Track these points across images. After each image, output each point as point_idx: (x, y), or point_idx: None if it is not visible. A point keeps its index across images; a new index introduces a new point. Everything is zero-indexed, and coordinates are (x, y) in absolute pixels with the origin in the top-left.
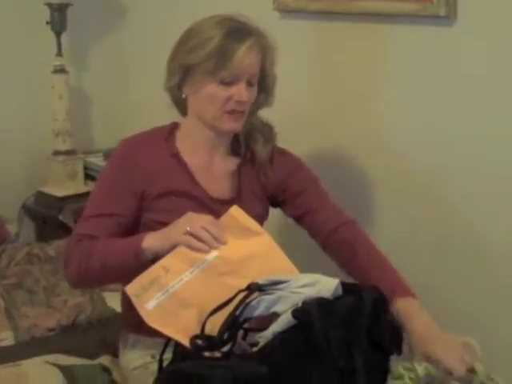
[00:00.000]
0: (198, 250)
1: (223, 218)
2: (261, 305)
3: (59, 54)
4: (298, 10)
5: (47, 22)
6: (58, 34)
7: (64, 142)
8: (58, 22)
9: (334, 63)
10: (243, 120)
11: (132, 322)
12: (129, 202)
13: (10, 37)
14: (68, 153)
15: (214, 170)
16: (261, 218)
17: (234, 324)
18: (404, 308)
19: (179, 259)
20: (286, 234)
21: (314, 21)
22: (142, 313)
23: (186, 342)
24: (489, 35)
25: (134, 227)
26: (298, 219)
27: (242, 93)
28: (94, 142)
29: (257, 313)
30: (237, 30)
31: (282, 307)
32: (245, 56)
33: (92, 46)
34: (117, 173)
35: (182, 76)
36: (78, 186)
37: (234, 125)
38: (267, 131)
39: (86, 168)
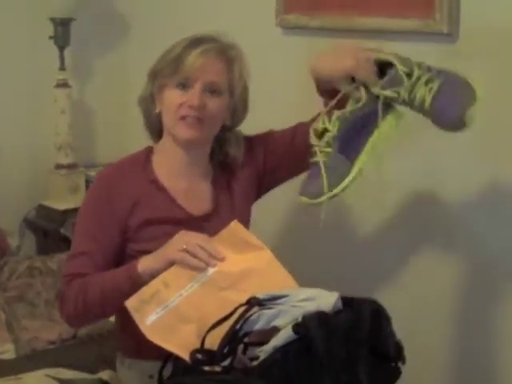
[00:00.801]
0: (194, 267)
1: (223, 232)
2: (261, 319)
3: (62, 68)
4: (300, 26)
5: (50, 37)
6: (62, 49)
7: (66, 155)
8: (62, 36)
9: None
10: (201, 129)
11: (126, 346)
12: (113, 233)
13: (14, 51)
14: (70, 166)
15: (194, 190)
16: (244, 223)
17: (234, 338)
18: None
19: (179, 274)
20: (283, 242)
21: (315, 37)
22: (142, 327)
23: (186, 356)
24: (491, 52)
25: (121, 259)
26: (287, 155)
27: (193, 97)
28: (95, 156)
29: (257, 327)
30: (198, 40)
31: (282, 321)
32: (196, 59)
33: (95, 60)
34: (97, 206)
35: (152, 83)
36: (80, 200)
37: (187, 132)
38: (237, 133)
39: (87, 182)
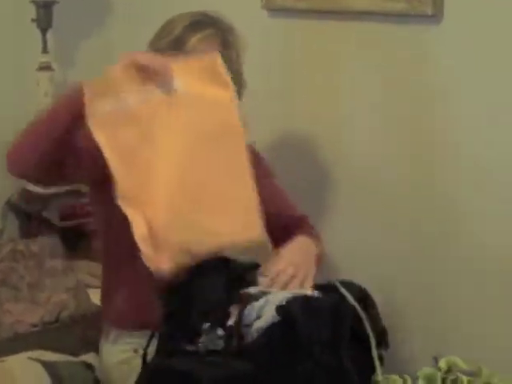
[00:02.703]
0: (147, 68)
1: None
2: (252, 313)
3: (45, 51)
4: (287, 8)
5: (33, 20)
6: (44, 32)
7: None
8: (44, 19)
9: (322, 61)
10: None
11: (112, 316)
12: None
13: None
14: None
15: None
16: None
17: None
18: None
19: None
20: None
21: (302, 19)
22: (90, 123)
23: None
24: (475, 33)
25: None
26: None
27: None
28: None
29: (250, 320)
30: (198, 22)
31: (269, 308)
32: (196, 45)
33: (78, 43)
34: None
35: None
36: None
37: None
38: None
39: None
